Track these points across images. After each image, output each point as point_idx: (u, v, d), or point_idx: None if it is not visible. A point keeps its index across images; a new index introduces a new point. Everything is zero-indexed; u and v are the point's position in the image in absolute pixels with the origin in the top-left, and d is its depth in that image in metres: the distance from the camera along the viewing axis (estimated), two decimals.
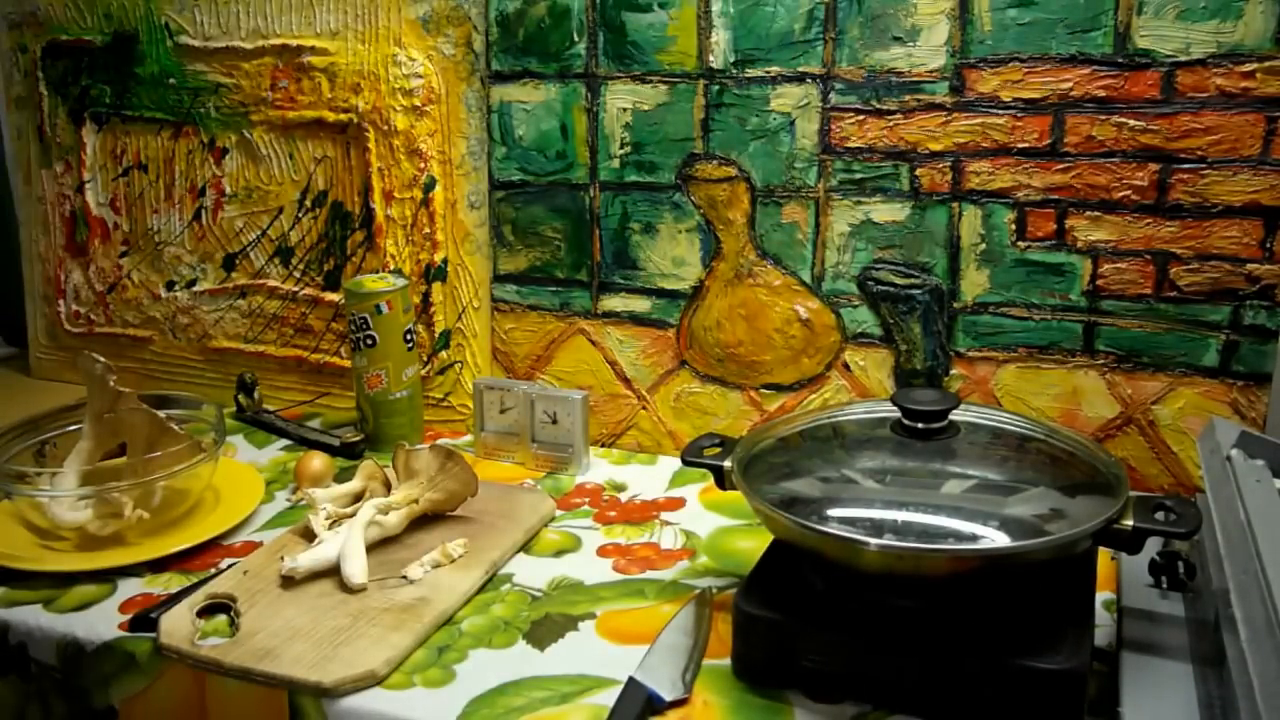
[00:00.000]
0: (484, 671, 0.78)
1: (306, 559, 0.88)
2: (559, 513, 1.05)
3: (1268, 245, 0.96)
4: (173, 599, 0.86)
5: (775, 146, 1.10)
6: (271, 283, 1.34)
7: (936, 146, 1.04)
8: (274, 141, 1.30)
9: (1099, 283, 1.02)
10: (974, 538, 0.71)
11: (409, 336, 1.18)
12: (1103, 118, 0.98)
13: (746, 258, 1.13)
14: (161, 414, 1.00)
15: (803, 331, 1.13)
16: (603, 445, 1.23)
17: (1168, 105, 0.96)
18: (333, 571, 0.88)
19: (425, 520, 0.98)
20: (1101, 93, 0.98)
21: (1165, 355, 1.01)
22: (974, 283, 1.06)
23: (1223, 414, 1.00)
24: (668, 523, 1.03)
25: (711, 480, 0.83)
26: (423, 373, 1.25)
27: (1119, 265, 1.01)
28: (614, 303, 1.21)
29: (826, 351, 1.13)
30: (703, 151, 1.13)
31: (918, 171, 1.05)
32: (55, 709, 0.86)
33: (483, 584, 0.90)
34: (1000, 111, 1.01)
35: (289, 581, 0.88)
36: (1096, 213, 1.01)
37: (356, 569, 0.87)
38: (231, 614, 0.84)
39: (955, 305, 1.07)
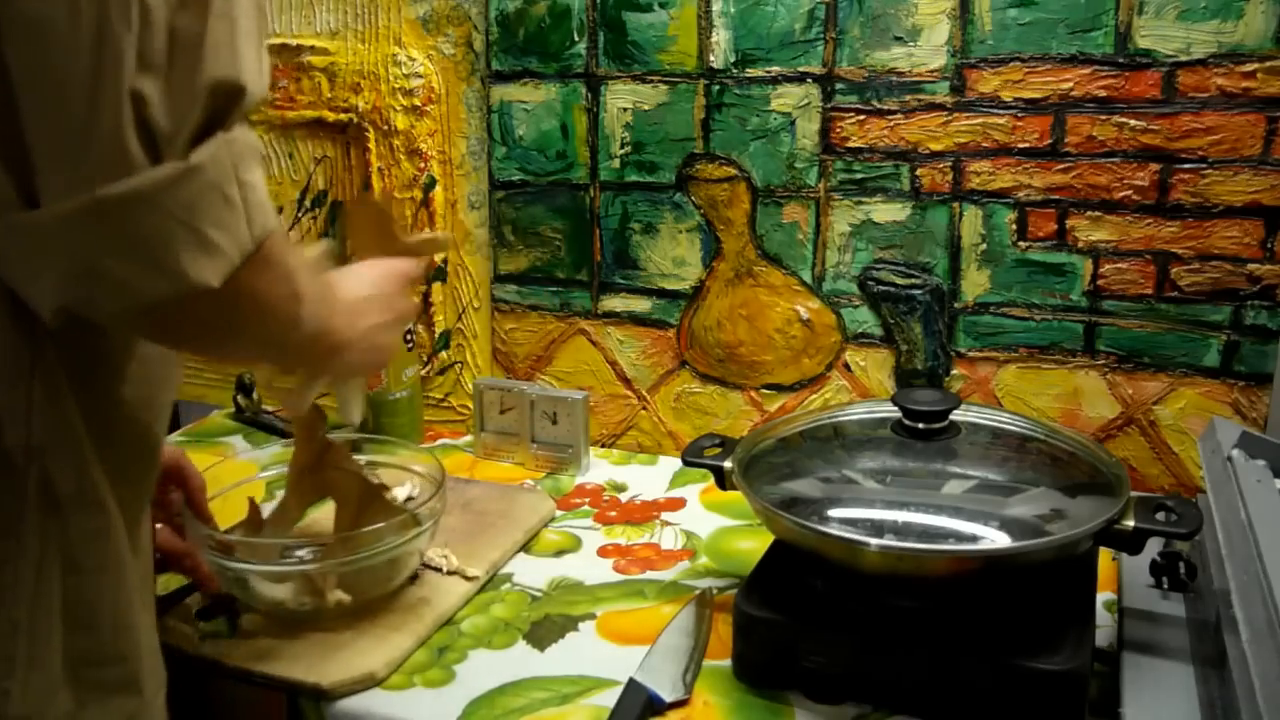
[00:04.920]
0: (484, 672, 0.78)
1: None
2: (559, 513, 1.05)
3: (1268, 245, 0.96)
4: (173, 599, 0.86)
5: (776, 146, 1.10)
6: None
7: (937, 146, 1.04)
8: (274, 141, 1.30)
9: (1100, 283, 1.02)
10: (975, 538, 0.71)
11: (409, 337, 1.18)
12: (1103, 118, 0.98)
13: (747, 258, 1.13)
14: (374, 479, 0.87)
15: (803, 332, 1.13)
16: (603, 445, 1.23)
17: (1168, 105, 0.96)
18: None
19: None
20: (1102, 93, 0.98)
21: (1166, 355, 1.01)
22: (975, 283, 1.06)
23: (1224, 414, 1.00)
24: (668, 523, 1.03)
25: (712, 480, 0.83)
26: (423, 373, 1.25)
27: (1120, 265, 1.01)
28: (614, 303, 1.20)
29: (827, 352, 1.13)
30: (703, 151, 1.13)
31: (918, 171, 1.05)
32: None
33: (483, 584, 0.90)
34: (1001, 111, 1.01)
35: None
36: (1097, 213, 1.00)
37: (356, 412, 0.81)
38: (231, 614, 0.84)
39: (956, 305, 1.07)
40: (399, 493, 0.90)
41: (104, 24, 0.44)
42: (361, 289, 0.71)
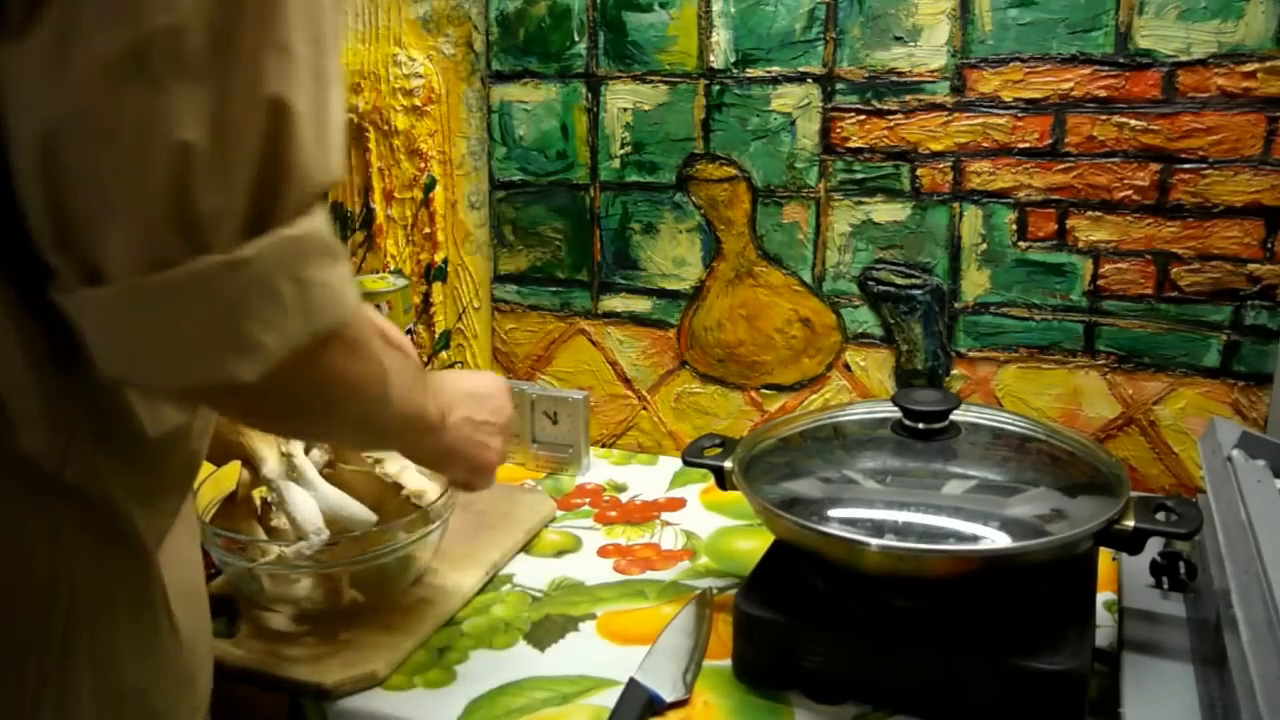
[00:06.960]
0: (484, 672, 0.78)
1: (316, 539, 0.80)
2: (559, 513, 1.04)
3: (1269, 245, 0.96)
4: None
5: (776, 146, 1.10)
6: None
7: (937, 146, 1.04)
8: None
9: (1100, 283, 1.02)
10: (975, 538, 0.71)
11: (409, 336, 1.18)
12: (1104, 118, 0.98)
13: (747, 258, 1.13)
14: (389, 477, 0.85)
15: (803, 332, 1.13)
16: (603, 446, 1.23)
17: (1169, 105, 0.96)
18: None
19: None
20: (1102, 93, 0.98)
21: (1166, 355, 1.01)
22: (975, 283, 1.06)
23: (1224, 414, 1.00)
24: (668, 523, 1.03)
25: (712, 481, 0.83)
26: None
27: (1120, 265, 1.01)
28: (614, 303, 1.20)
29: (827, 352, 1.13)
30: (703, 151, 1.13)
31: (918, 171, 1.05)
32: None
33: (483, 585, 0.90)
34: (1001, 111, 1.01)
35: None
36: (1097, 213, 1.00)
37: (361, 510, 0.82)
38: (231, 614, 0.84)
39: (956, 305, 1.07)
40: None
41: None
42: (461, 385, 0.76)
